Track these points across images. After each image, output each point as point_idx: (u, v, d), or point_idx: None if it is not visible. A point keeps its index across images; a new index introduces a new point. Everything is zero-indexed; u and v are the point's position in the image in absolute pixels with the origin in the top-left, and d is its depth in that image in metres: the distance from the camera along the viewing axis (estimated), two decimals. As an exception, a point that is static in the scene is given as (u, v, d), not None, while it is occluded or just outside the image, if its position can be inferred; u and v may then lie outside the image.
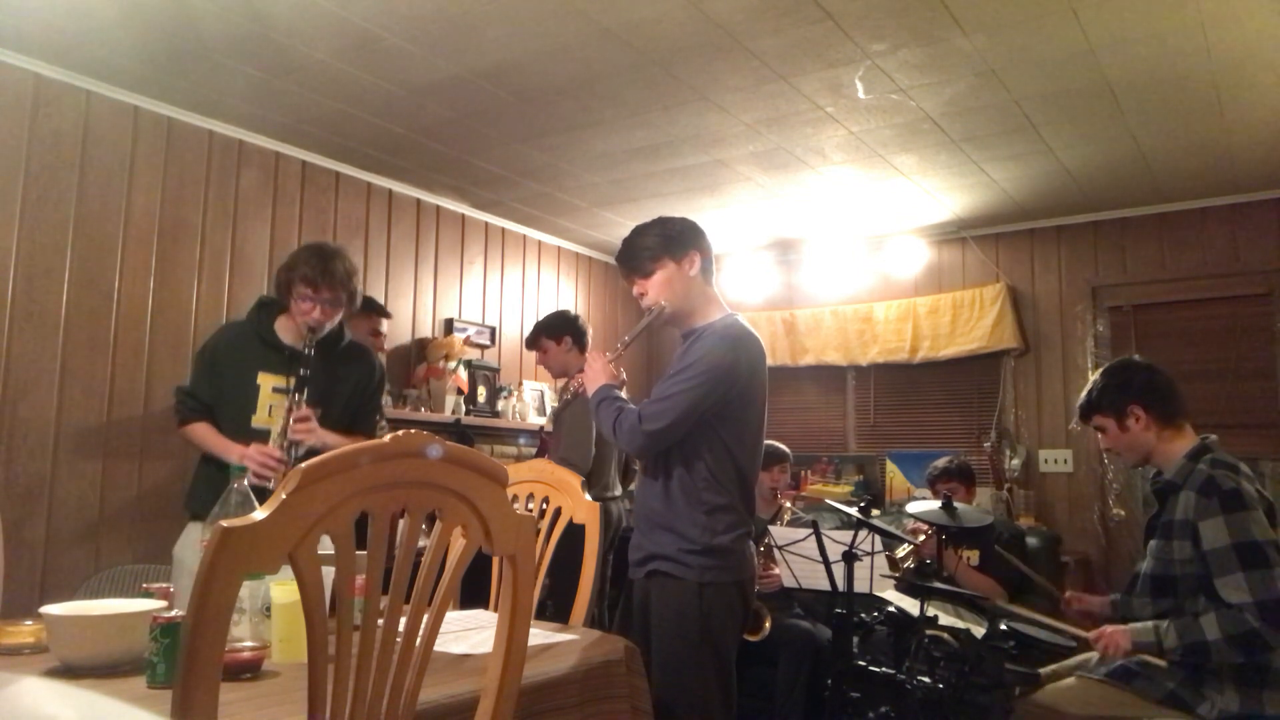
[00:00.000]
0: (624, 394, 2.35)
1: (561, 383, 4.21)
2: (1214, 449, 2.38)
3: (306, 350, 2.59)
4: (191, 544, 2.51)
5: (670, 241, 2.28)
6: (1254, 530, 2.18)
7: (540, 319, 4.07)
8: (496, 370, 4.94)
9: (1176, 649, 2.21)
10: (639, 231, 2.34)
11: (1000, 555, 3.44)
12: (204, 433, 2.63)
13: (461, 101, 3.52)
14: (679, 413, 2.14)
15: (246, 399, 2.63)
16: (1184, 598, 2.30)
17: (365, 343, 3.09)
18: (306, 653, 1.00)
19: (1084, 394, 2.59)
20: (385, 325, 4.12)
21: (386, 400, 4.06)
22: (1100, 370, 2.61)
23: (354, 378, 2.79)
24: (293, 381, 2.61)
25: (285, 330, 2.71)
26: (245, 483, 1.72)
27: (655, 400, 2.19)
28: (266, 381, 2.65)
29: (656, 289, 2.29)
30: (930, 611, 2.71)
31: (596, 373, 2.34)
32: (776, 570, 3.60)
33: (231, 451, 2.51)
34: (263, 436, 2.60)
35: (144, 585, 1.83)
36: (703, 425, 2.17)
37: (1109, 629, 2.35)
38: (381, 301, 4.34)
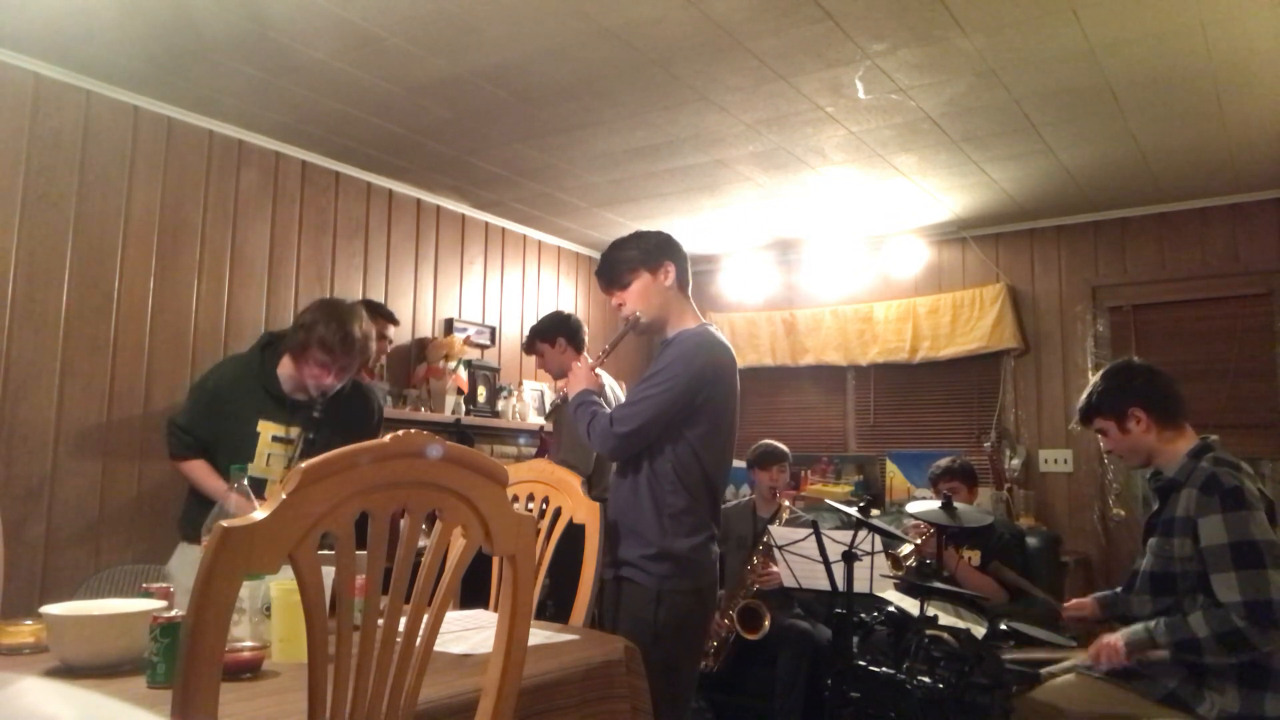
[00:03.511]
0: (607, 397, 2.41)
1: (561, 383, 4.21)
2: (1216, 448, 2.38)
3: (316, 414, 2.56)
4: (186, 564, 2.49)
5: (646, 254, 2.37)
6: (1253, 530, 2.18)
7: (534, 323, 4.07)
8: (496, 370, 4.94)
9: (1168, 644, 2.22)
10: (616, 246, 2.42)
11: (999, 567, 3.45)
12: (202, 472, 2.61)
13: (461, 101, 3.52)
14: (648, 416, 2.22)
15: (245, 445, 2.59)
16: (1184, 595, 2.29)
17: (367, 386, 3.04)
18: (306, 653, 1.00)
19: (1084, 397, 2.59)
20: (391, 331, 4.13)
21: (387, 401, 4.06)
22: (1099, 373, 2.61)
23: (355, 422, 2.77)
24: (294, 431, 2.59)
25: (289, 377, 2.67)
26: (245, 482, 1.72)
27: (627, 404, 2.29)
28: (266, 430, 2.62)
29: (633, 299, 2.37)
30: (930, 611, 2.71)
31: (579, 379, 2.43)
32: (776, 569, 3.60)
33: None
34: (258, 486, 2.56)
35: (144, 585, 1.82)
36: (671, 428, 2.24)
37: (1104, 640, 2.34)
38: (382, 301, 4.34)
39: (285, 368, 2.67)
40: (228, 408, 2.63)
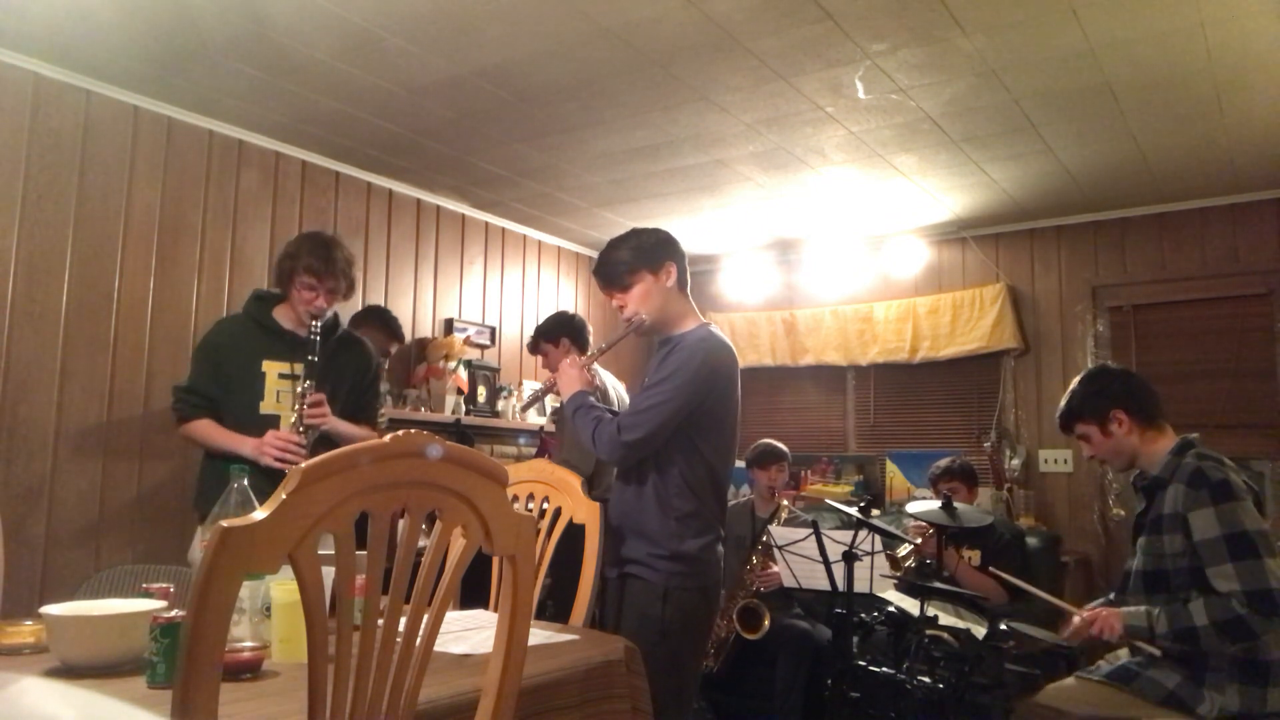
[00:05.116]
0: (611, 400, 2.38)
1: (548, 379, 4.22)
2: (1197, 444, 2.40)
3: (313, 336, 2.63)
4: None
5: (646, 254, 2.32)
6: (1245, 520, 2.20)
7: (539, 323, 4.07)
8: (496, 370, 4.94)
9: (1167, 634, 2.22)
10: (614, 245, 2.37)
11: (1004, 568, 3.45)
12: (209, 429, 2.64)
13: (461, 101, 3.52)
14: (657, 423, 2.19)
15: (253, 387, 2.65)
16: (1177, 591, 2.30)
17: (358, 336, 3.10)
18: (306, 653, 1.00)
19: (1063, 404, 2.61)
20: (395, 348, 4.17)
21: (386, 400, 4.06)
22: (1076, 379, 2.63)
23: (352, 367, 2.84)
24: (298, 368, 2.64)
25: (285, 318, 2.75)
26: (245, 482, 1.72)
27: (634, 411, 2.25)
28: (272, 369, 2.68)
29: (635, 301, 2.32)
30: (930, 611, 2.71)
31: (571, 380, 2.38)
32: (775, 569, 3.60)
33: (245, 444, 2.54)
34: (272, 423, 2.63)
35: (144, 585, 1.82)
36: (678, 432, 2.22)
37: (1103, 611, 2.36)
38: (382, 302, 4.35)
39: (281, 310, 2.77)
40: (230, 356, 2.69)
